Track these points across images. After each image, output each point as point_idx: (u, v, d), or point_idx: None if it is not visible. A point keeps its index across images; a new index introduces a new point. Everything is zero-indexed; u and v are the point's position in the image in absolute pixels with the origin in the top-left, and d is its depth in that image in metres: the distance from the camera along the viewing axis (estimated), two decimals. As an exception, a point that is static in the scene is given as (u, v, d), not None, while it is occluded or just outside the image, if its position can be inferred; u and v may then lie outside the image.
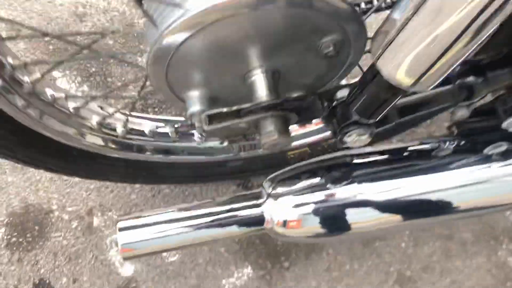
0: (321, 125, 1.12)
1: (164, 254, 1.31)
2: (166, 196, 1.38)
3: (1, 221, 1.34)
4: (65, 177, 1.39)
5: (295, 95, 0.76)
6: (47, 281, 1.26)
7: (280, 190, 0.80)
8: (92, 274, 1.27)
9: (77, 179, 1.38)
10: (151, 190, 1.38)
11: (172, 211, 0.81)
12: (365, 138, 0.77)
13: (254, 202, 0.81)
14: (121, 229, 0.79)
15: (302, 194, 0.79)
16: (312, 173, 0.83)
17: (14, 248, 1.30)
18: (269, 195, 0.80)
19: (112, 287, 1.25)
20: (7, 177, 1.40)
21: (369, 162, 0.82)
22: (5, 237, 1.31)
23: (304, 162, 0.87)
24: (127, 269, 1.28)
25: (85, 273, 1.27)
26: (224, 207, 0.81)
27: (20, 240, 1.31)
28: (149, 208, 1.36)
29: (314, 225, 0.78)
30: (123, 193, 1.38)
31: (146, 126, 1.01)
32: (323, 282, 1.27)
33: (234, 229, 0.79)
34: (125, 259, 0.82)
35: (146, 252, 0.81)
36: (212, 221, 0.79)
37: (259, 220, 0.80)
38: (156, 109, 1.46)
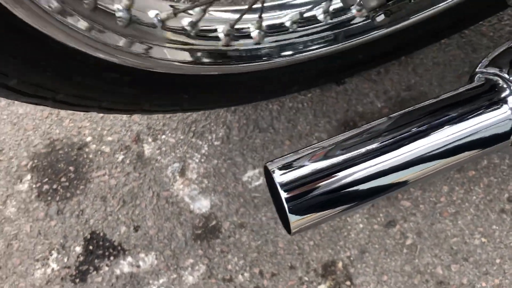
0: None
1: (246, 178, 1.00)
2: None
3: (24, 166, 1.01)
4: (94, 98, 1.04)
5: None
6: (101, 234, 0.97)
7: None
8: (157, 217, 0.97)
9: (110, 98, 1.03)
10: (210, 99, 1.04)
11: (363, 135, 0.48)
12: None
13: (492, 98, 0.47)
14: (283, 186, 0.47)
15: None
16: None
17: (49, 198, 0.99)
18: (510, 83, 0.46)
19: (186, 230, 0.96)
20: (17, 109, 1.06)
21: None
22: (34, 186, 1.00)
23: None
24: (201, 204, 0.98)
25: (148, 217, 0.97)
26: (444, 114, 0.47)
27: (54, 187, 1.00)
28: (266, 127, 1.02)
29: None
30: (175, 109, 1.04)
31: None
32: (457, 185, 0.97)
33: (471, 148, 0.46)
34: (295, 233, 0.51)
35: (334, 214, 0.49)
36: (434, 142, 0.46)
37: (507, 127, 0.46)
38: None
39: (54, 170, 1.01)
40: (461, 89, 0.53)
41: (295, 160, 0.50)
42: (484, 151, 0.51)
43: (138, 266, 0.94)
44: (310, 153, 0.51)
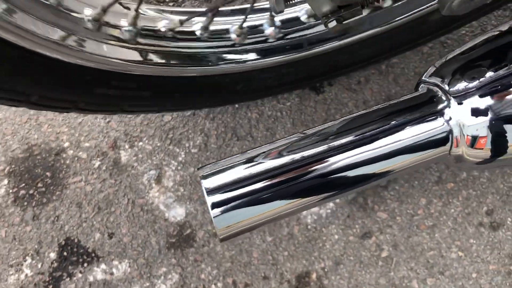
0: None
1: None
2: (211, 113, 1.03)
3: (1, 170, 1.01)
4: (72, 104, 1.04)
5: None
6: (76, 240, 0.96)
7: (461, 86, 0.45)
8: (131, 225, 0.97)
9: (88, 104, 1.03)
10: (189, 106, 1.03)
11: (296, 141, 0.48)
12: None
13: (430, 109, 0.46)
14: (210, 192, 0.46)
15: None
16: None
17: (25, 204, 0.99)
18: (449, 96, 0.45)
19: (160, 238, 0.95)
20: (-4, 113, 1.06)
21: None
22: (11, 191, 1.00)
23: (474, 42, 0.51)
24: (176, 212, 0.97)
25: (122, 224, 0.97)
26: (381, 123, 0.46)
27: (31, 192, 1.00)
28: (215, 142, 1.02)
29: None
30: (153, 115, 1.04)
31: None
32: (435, 197, 0.96)
33: (405, 158, 0.46)
34: (223, 240, 0.50)
35: (260, 223, 0.48)
36: (373, 149, 0.46)
37: (441, 139, 0.46)
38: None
39: (31, 175, 1.01)
40: (404, 98, 0.52)
41: (225, 166, 0.50)
42: (424, 161, 0.50)
43: (112, 274, 0.94)
44: (241, 160, 0.50)
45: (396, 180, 0.98)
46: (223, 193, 0.48)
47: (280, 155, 0.50)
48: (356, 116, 0.52)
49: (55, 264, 0.95)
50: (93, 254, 0.95)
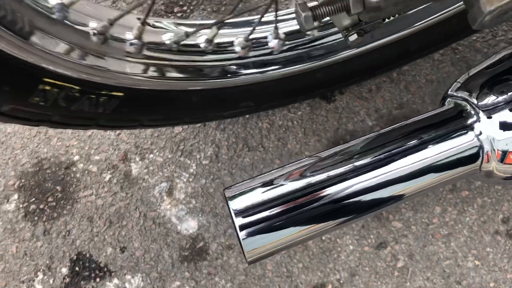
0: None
1: (234, 199, 0.98)
2: (222, 123, 1.03)
3: (11, 185, 1.00)
4: (82, 117, 1.03)
5: None
6: (87, 255, 0.95)
7: (490, 100, 0.45)
8: (144, 238, 0.96)
9: (98, 117, 1.02)
10: (199, 117, 1.03)
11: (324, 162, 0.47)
12: None
13: (459, 124, 0.45)
14: (238, 213, 0.45)
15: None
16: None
17: (36, 218, 0.98)
18: (478, 109, 0.44)
19: (173, 251, 0.94)
20: (5, 127, 1.05)
21: None
22: (21, 206, 0.99)
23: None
24: (189, 225, 0.96)
25: (134, 238, 0.96)
26: (408, 139, 0.45)
27: (41, 207, 0.99)
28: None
29: None
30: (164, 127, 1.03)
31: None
32: (449, 206, 0.95)
33: (435, 175, 0.45)
34: (251, 263, 0.49)
35: (289, 244, 0.47)
36: (400, 167, 0.45)
37: (472, 155, 0.45)
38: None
39: (41, 190, 1.00)
40: (430, 113, 0.52)
41: (252, 187, 0.49)
42: (454, 177, 0.49)
43: (124, 288, 0.93)
44: (269, 179, 0.49)
45: (410, 189, 0.97)
46: (251, 215, 0.47)
47: (307, 174, 0.49)
48: (384, 132, 0.51)
49: (67, 280, 0.94)
50: (105, 269, 0.94)
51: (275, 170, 0.52)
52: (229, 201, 0.48)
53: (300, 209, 0.47)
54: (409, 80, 1.04)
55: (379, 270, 0.92)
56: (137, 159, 1.01)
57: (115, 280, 0.93)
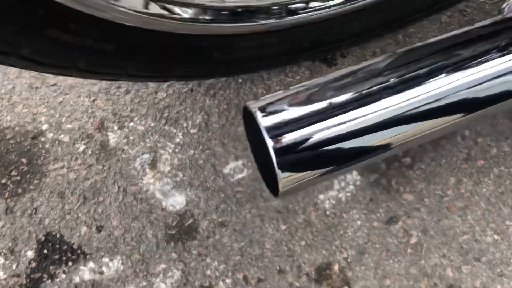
0: None
1: (228, 170, 0.87)
2: (212, 87, 0.92)
3: (-33, 158, 0.87)
4: (52, 81, 0.91)
5: None
6: (58, 235, 0.82)
7: None
8: (123, 216, 0.83)
9: (70, 80, 0.90)
10: (186, 82, 0.92)
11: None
12: None
13: None
14: (271, 131, 0.35)
15: None
16: None
17: (-4, 195, 0.85)
18: None
19: (157, 230, 0.82)
20: (-39, 92, 0.92)
21: None
22: (-21, 181, 0.85)
23: None
24: (175, 201, 0.85)
25: (113, 216, 0.83)
26: (467, 50, 0.36)
27: (3, 181, 0.86)
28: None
29: None
30: (145, 92, 0.92)
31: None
32: (464, 176, 0.86)
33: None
34: (284, 194, 0.38)
35: (332, 169, 0.37)
36: (451, 83, 0.35)
37: None
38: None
39: (4, 163, 0.87)
40: (488, 21, 0.42)
41: (283, 101, 0.38)
42: None
43: (101, 273, 0.80)
44: (303, 92, 0.39)
45: (422, 158, 0.88)
46: (285, 133, 0.37)
47: (348, 90, 0.39)
48: (426, 44, 0.42)
49: (33, 264, 0.81)
50: (79, 251, 0.82)
51: (307, 82, 0.41)
52: (257, 116, 0.37)
53: (349, 127, 0.37)
54: (415, 42, 0.96)
55: (390, 247, 0.82)
56: (115, 127, 0.89)
57: (91, 264, 0.81)
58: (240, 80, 0.92)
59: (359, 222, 0.84)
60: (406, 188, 0.86)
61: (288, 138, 0.36)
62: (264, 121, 0.36)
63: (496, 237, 0.83)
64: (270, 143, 0.36)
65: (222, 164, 0.87)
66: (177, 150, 0.88)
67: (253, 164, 0.87)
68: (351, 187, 0.86)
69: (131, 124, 0.89)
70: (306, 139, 0.36)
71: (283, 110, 0.38)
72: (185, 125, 0.89)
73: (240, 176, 0.86)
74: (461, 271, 0.81)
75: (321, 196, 0.86)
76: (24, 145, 0.88)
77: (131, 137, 0.88)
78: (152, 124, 0.89)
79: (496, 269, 0.81)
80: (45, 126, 0.89)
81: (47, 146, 0.88)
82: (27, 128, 0.89)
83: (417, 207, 0.85)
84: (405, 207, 0.85)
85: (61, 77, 0.90)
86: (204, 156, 0.88)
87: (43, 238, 0.82)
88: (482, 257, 0.81)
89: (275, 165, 0.36)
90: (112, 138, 0.88)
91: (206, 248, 0.82)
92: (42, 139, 0.88)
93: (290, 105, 0.38)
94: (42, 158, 0.87)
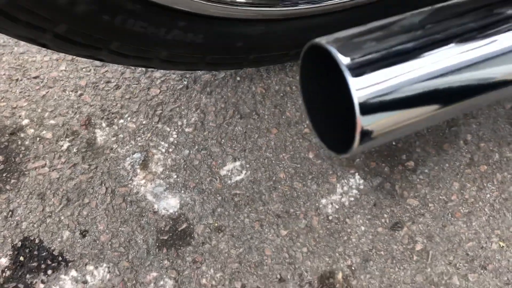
0: None
1: (225, 171, 0.82)
2: (208, 85, 0.87)
3: None
4: (34, 73, 0.84)
5: None
6: (36, 240, 0.75)
7: None
8: (111, 219, 0.77)
9: (54, 73, 0.83)
10: (181, 78, 0.87)
11: None
12: None
13: None
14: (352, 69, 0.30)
15: None
16: None
17: (-32, 195, 0.76)
18: None
19: (148, 235, 0.76)
20: None
21: None
22: None
23: None
24: (168, 204, 0.79)
25: (99, 219, 0.76)
26: None
27: (-24, 180, 0.77)
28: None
29: None
30: (136, 88, 0.86)
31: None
32: (468, 182, 0.84)
33: None
34: (361, 143, 0.33)
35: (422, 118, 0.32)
36: None
37: None
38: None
39: (-23, 160, 0.79)
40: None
41: (361, 36, 0.33)
42: None
43: (85, 282, 0.73)
44: (384, 27, 0.34)
45: (425, 162, 0.85)
46: (370, 73, 0.32)
47: (437, 26, 0.35)
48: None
49: (8, 273, 0.73)
50: (60, 258, 0.74)
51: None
52: (333, 51, 0.32)
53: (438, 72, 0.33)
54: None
55: (395, 254, 0.78)
56: (104, 124, 0.83)
57: (73, 272, 0.73)
58: (238, 78, 0.88)
59: (363, 228, 0.80)
60: (410, 193, 0.83)
61: (372, 76, 0.32)
62: (344, 59, 0.32)
63: (501, 244, 0.81)
64: (352, 82, 0.31)
65: (219, 165, 0.82)
66: (170, 150, 0.82)
67: (252, 165, 0.82)
68: (354, 191, 0.83)
69: (121, 121, 0.83)
70: (393, 78, 0.32)
71: (363, 48, 0.33)
72: (179, 123, 0.84)
73: (238, 178, 0.81)
74: (468, 280, 0.77)
75: (323, 200, 0.81)
76: (1, 141, 0.80)
77: (121, 135, 0.82)
78: (144, 122, 0.83)
79: (503, 277, 0.78)
80: (25, 121, 0.82)
81: (26, 142, 0.80)
82: (5, 123, 0.81)
83: (421, 212, 0.81)
84: (410, 213, 0.81)
85: (44, 69, 0.83)
86: (200, 156, 0.82)
87: (19, 244, 0.74)
88: (488, 264, 0.79)
89: (357, 107, 0.31)
90: (100, 136, 0.82)
91: (202, 255, 0.76)
92: (22, 135, 0.81)
93: (371, 42, 0.34)
94: (21, 155, 0.79)
